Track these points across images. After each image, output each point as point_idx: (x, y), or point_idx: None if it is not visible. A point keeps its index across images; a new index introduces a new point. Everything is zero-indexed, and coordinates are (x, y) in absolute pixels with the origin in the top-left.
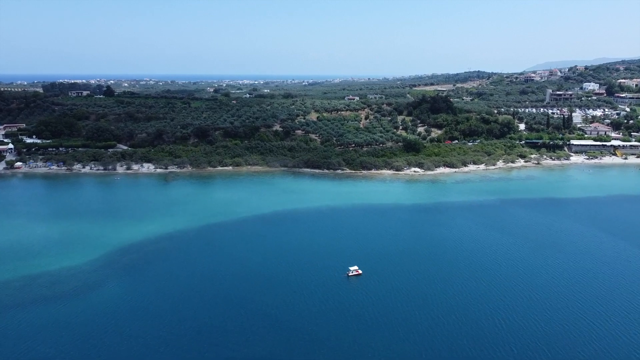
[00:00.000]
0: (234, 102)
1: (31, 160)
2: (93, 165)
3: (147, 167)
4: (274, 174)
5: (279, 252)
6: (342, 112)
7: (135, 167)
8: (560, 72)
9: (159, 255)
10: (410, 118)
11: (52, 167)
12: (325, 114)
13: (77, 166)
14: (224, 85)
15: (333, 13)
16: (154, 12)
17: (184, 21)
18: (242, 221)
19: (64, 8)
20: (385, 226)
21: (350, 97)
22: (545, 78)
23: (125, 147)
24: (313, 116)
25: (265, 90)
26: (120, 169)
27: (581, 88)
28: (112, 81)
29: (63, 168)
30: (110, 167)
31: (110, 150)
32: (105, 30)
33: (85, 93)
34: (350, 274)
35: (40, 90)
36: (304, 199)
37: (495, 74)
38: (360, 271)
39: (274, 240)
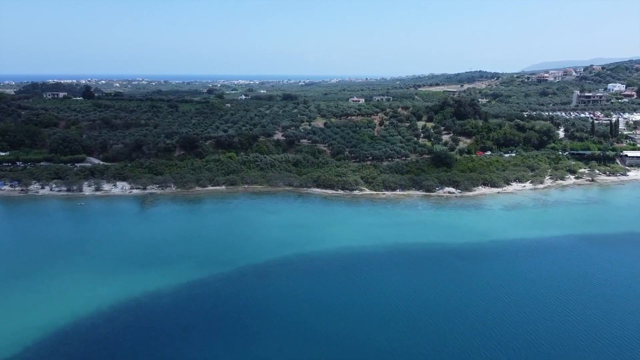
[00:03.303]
0: (228, 105)
1: None
2: (54, 185)
3: (122, 187)
4: (277, 196)
5: (289, 345)
6: (353, 117)
7: (106, 187)
8: (576, 71)
9: (115, 341)
10: (432, 124)
11: (2, 188)
12: (333, 119)
13: (34, 186)
14: (219, 85)
15: (332, 14)
16: (153, 13)
17: (184, 21)
18: (236, 276)
19: (64, 8)
20: (439, 290)
21: (355, 98)
22: (560, 78)
23: (97, 161)
24: (319, 122)
25: (262, 91)
26: (88, 189)
27: (605, 89)
28: (103, 81)
29: (17, 189)
30: (75, 187)
31: (78, 165)
32: (105, 31)
33: (62, 94)
34: None
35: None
36: (317, 238)
37: (498, 73)
38: None
39: (281, 315)
